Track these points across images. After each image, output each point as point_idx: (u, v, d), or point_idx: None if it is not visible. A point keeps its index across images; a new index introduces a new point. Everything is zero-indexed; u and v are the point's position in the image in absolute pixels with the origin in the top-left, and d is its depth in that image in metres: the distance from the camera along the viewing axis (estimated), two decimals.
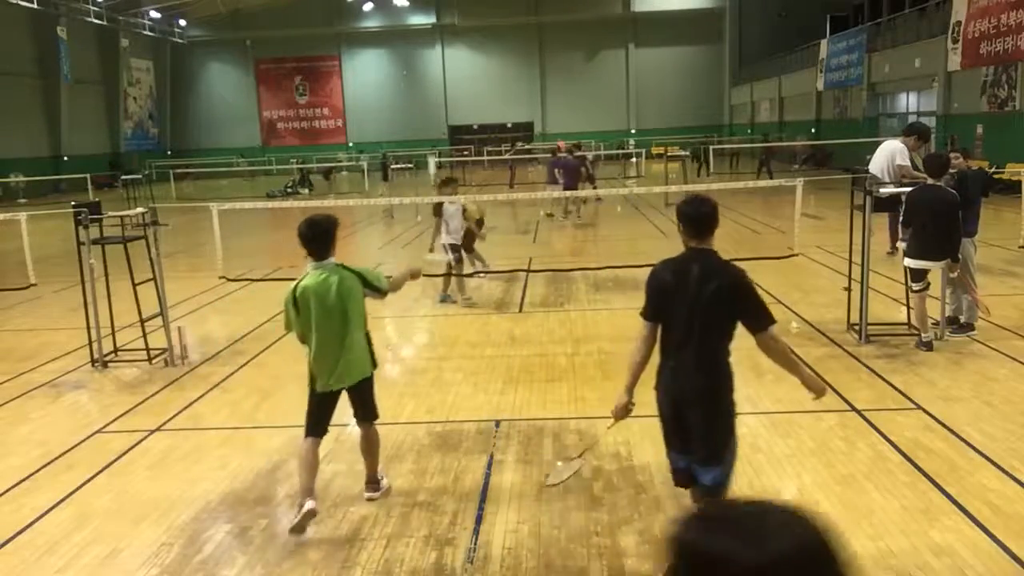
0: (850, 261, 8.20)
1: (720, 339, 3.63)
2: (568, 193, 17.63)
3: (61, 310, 10.69)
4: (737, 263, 3.77)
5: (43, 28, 36.86)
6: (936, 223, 7.16)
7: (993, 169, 16.88)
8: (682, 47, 48.15)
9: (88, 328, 7.97)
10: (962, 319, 7.88)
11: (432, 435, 5.88)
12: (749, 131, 42.61)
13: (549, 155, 21.92)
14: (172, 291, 9.19)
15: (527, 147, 41.33)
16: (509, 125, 49.15)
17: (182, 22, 47.71)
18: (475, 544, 4.31)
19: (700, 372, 3.62)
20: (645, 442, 5.36)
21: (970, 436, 5.39)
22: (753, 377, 6.31)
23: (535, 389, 6.85)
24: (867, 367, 7.02)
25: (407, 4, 47.46)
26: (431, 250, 10.52)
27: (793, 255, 9.81)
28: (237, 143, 48.59)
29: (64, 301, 11.03)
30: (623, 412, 3.87)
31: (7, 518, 4.85)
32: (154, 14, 44.35)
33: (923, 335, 7.42)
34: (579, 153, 20.95)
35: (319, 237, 4.53)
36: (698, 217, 3.67)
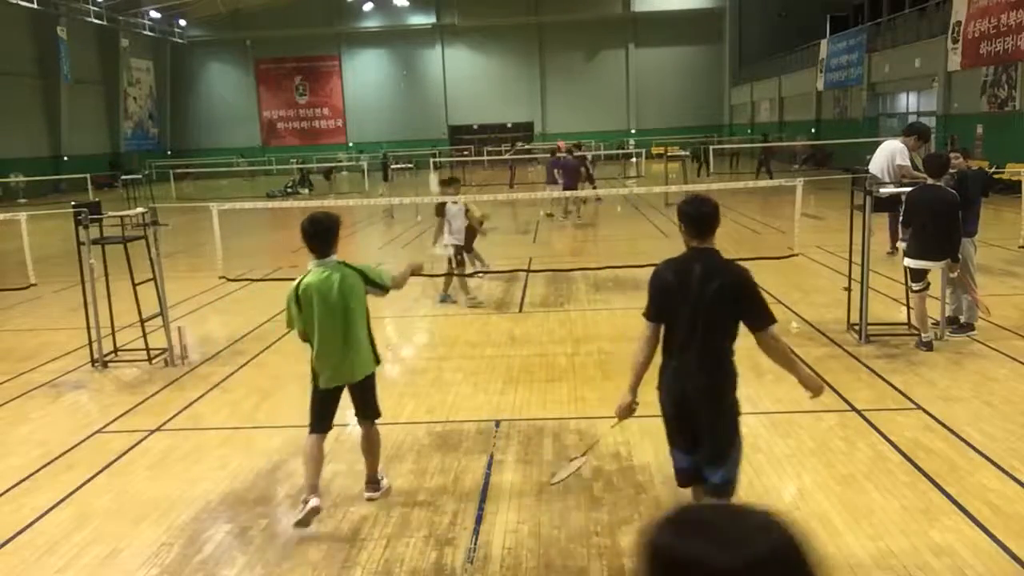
0: (850, 261, 8.20)
1: (724, 338, 3.63)
2: (568, 193, 17.64)
3: (61, 310, 10.69)
4: (738, 263, 3.78)
5: (43, 28, 36.86)
6: (936, 223, 7.16)
7: (993, 169, 16.88)
8: (682, 47, 48.15)
9: (88, 328, 7.97)
10: (962, 319, 7.88)
11: (432, 435, 5.88)
12: (749, 131, 42.61)
13: (549, 155, 21.92)
14: (172, 291, 9.20)
15: (527, 147, 41.35)
16: (509, 125, 49.15)
17: (182, 22, 47.72)
18: (475, 544, 4.31)
19: (704, 371, 3.62)
20: (645, 442, 5.37)
21: (970, 436, 5.39)
22: (753, 377, 6.31)
23: (535, 389, 6.85)
24: (867, 367, 7.02)
25: (407, 4, 47.46)
26: (434, 245, 10.52)
27: (793, 255, 9.81)
28: (237, 143, 48.59)
29: (64, 301, 11.03)
30: (627, 412, 3.88)
31: (7, 518, 4.86)
32: (154, 14, 44.36)
33: (923, 335, 7.42)
34: (579, 153, 20.96)
35: (321, 234, 4.55)
36: (699, 217, 3.68)
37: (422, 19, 48.82)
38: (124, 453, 5.79)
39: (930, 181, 7.41)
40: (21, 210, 10.88)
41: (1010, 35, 19.68)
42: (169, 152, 47.35)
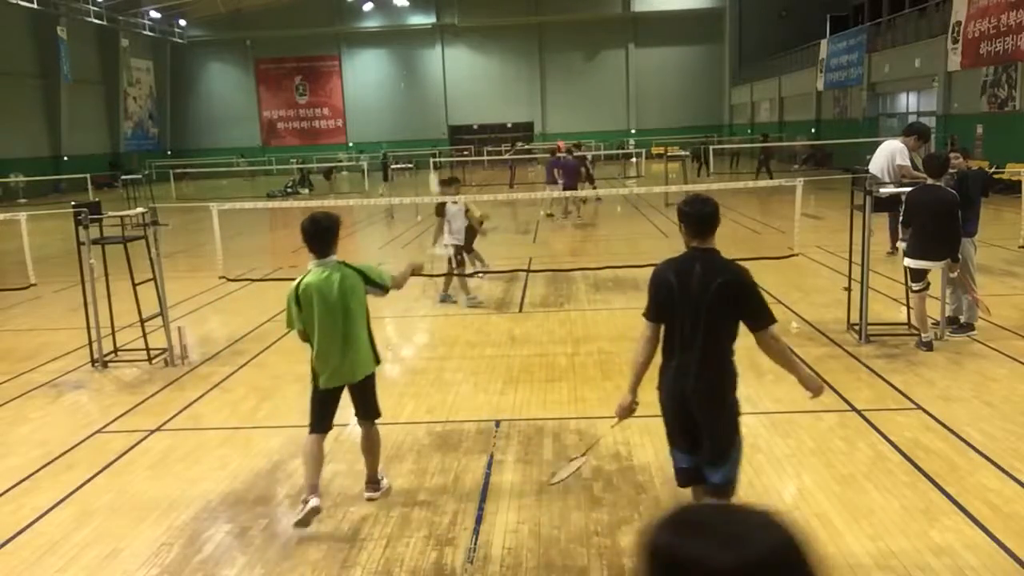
0: (850, 261, 8.20)
1: (724, 338, 3.63)
2: (568, 193, 17.65)
3: (61, 310, 10.69)
4: (738, 262, 3.78)
5: (43, 28, 36.85)
6: (936, 223, 7.16)
7: (993, 169, 16.87)
8: (682, 47, 48.15)
9: (88, 328, 7.97)
10: (962, 319, 7.88)
11: (432, 435, 5.88)
12: (749, 131, 42.60)
13: (548, 155, 21.95)
14: (172, 291, 9.20)
15: (527, 147, 41.36)
16: (509, 125, 49.15)
17: (182, 22, 47.71)
18: (475, 544, 4.31)
19: (705, 371, 3.62)
20: (645, 442, 5.37)
21: (970, 436, 5.39)
22: (753, 377, 6.31)
23: (535, 389, 6.85)
24: (867, 367, 7.02)
25: (407, 4, 47.47)
26: (434, 245, 10.52)
27: (793, 255, 9.81)
28: (237, 143, 48.58)
29: (64, 301, 11.03)
30: (627, 412, 3.88)
31: (7, 518, 4.86)
32: (154, 14, 44.35)
33: (923, 335, 7.42)
34: (578, 153, 20.96)
35: (321, 234, 4.56)
36: (700, 217, 3.68)
37: (422, 19, 48.82)
38: (124, 453, 5.79)
39: (930, 181, 7.41)
40: (21, 210, 10.89)
41: (1010, 35, 19.68)
42: (169, 152, 47.35)
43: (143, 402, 6.94)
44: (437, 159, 33.34)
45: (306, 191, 31.89)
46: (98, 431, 6.28)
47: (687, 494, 3.95)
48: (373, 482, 4.89)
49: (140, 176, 31.78)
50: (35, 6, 34.50)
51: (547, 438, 5.73)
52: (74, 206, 7.71)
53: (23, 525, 4.75)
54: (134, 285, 7.86)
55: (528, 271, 12.05)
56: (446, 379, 7.26)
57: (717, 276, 3.57)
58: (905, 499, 4.56)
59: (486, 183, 30.09)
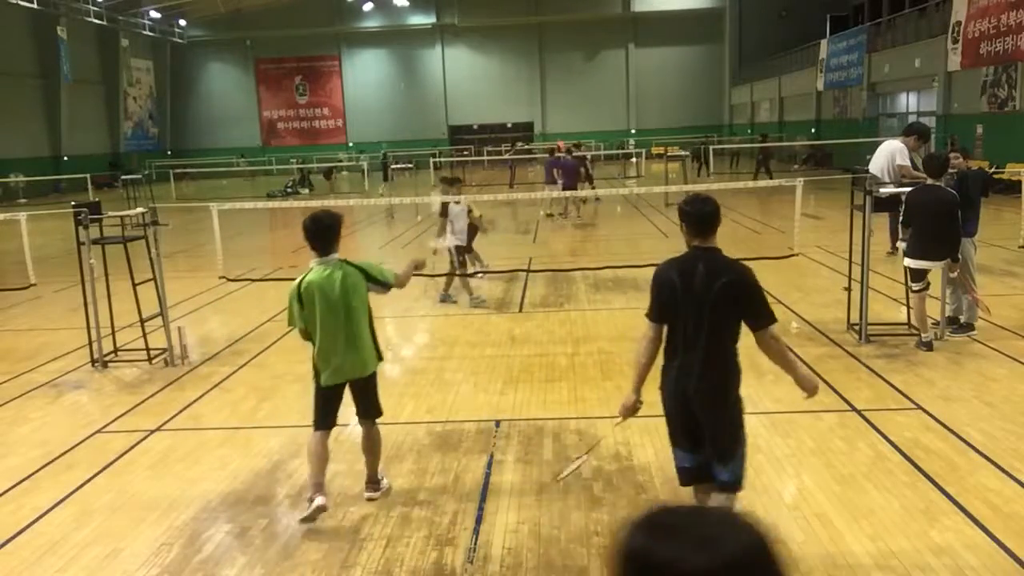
0: (850, 261, 8.20)
1: (727, 337, 3.64)
2: (568, 193, 17.65)
3: (61, 310, 10.68)
4: (740, 261, 3.78)
5: (43, 28, 36.85)
6: (936, 223, 7.16)
7: (993, 169, 16.88)
8: (682, 47, 48.15)
9: (88, 328, 7.97)
10: (962, 319, 7.88)
11: (432, 435, 5.88)
12: (749, 131, 42.60)
13: (548, 155, 21.96)
14: (172, 291, 9.20)
15: (527, 147, 41.35)
16: (509, 125, 49.15)
17: (182, 22, 47.71)
18: (475, 544, 4.31)
19: (707, 371, 3.62)
20: (645, 442, 5.37)
21: (970, 436, 5.39)
22: (753, 377, 6.30)
23: (535, 389, 6.85)
24: (867, 367, 7.02)
25: (407, 4, 47.47)
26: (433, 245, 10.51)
27: (793, 255, 9.81)
28: (237, 143, 48.57)
29: (64, 301, 11.03)
30: (631, 411, 3.89)
31: (7, 518, 4.86)
32: (154, 14, 44.35)
33: (923, 335, 7.42)
34: (578, 153, 20.96)
35: (323, 232, 4.58)
36: (701, 216, 3.68)
37: (422, 19, 48.82)
38: (124, 453, 5.80)
39: (930, 181, 7.41)
40: (21, 210, 10.89)
41: (1010, 35, 19.68)
42: (169, 152, 47.35)
43: (143, 402, 6.94)
44: (437, 159, 33.34)
45: (306, 191, 31.88)
46: (98, 431, 6.28)
47: (688, 493, 3.95)
48: (373, 482, 4.90)
49: (140, 176, 31.79)
50: (35, 6, 34.50)
51: (547, 438, 5.73)
52: (74, 206, 7.71)
53: (23, 525, 4.75)
54: (134, 285, 7.86)
55: (528, 271, 12.05)
56: (446, 379, 7.26)
57: (721, 275, 3.57)
58: (905, 499, 4.56)
59: (486, 183, 30.09)
